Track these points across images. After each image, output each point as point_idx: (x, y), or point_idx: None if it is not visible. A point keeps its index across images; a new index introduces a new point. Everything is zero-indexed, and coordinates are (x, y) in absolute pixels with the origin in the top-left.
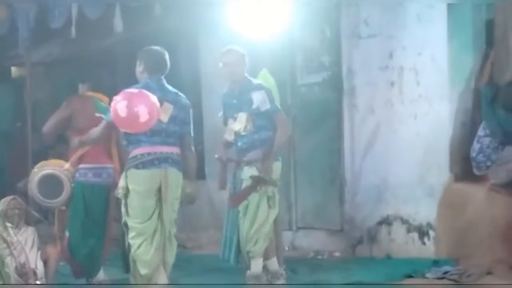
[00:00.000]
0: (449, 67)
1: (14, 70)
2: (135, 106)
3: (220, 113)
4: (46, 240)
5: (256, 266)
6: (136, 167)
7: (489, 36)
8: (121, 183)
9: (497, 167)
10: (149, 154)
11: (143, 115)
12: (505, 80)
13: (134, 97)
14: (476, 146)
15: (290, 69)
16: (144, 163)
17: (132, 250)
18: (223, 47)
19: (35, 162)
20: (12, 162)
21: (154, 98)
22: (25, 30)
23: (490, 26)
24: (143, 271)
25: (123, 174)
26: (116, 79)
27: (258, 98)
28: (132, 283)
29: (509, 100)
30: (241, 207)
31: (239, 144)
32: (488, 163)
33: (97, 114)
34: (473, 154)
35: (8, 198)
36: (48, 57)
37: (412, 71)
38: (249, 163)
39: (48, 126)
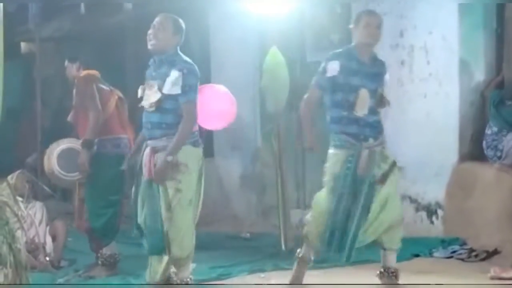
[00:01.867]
0: (459, 47)
1: (23, 45)
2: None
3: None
4: (55, 216)
5: None
6: (194, 144)
7: (500, 16)
8: (180, 159)
9: (511, 153)
10: (196, 132)
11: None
12: None
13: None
14: (483, 143)
15: (300, 46)
16: (197, 142)
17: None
18: (234, 24)
19: (44, 138)
20: (22, 138)
21: None
22: (35, 6)
23: (501, 5)
24: (186, 252)
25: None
26: (125, 56)
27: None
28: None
29: None
30: None
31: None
32: (498, 154)
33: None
34: (484, 151)
35: (16, 172)
36: (57, 32)
37: (423, 50)
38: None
39: (98, 108)
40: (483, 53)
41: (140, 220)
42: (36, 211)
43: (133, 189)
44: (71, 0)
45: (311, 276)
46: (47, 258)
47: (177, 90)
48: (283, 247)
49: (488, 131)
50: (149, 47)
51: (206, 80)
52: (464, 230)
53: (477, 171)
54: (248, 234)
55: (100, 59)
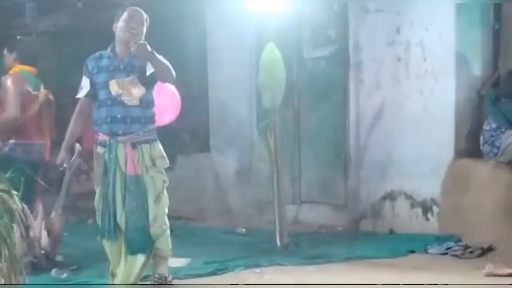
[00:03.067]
0: (456, 43)
1: (19, 39)
2: None
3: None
4: (50, 210)
5: None
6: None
7: (498, 12)
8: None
9: (507, 150)
10: None
11: None
12: (511, 59)
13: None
14: (481, 138)
15: (297, 43)
16: None
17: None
18: (231, 20)
19: None
20: None
21: None
22: (32, 0)
23: (499, 3)
24: (170, 246)
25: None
26: None
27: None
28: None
29: (510, 89)
30: None
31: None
32: (495, 150)
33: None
34: (481, 146)
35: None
36: (54, 27)
37: (419, 47)
38: None
39: (14, 112)
40: (480, 49)
41: (119, 219)
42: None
43: (108, 189)
44: None
45: (307, 272)
46: (43, 252)
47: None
48: (278, 242)
49: (486, 127)
50: (132, 40)
51: (203, 77)
52: (459, 226)
53: (472, 168)
54: (243, 230)
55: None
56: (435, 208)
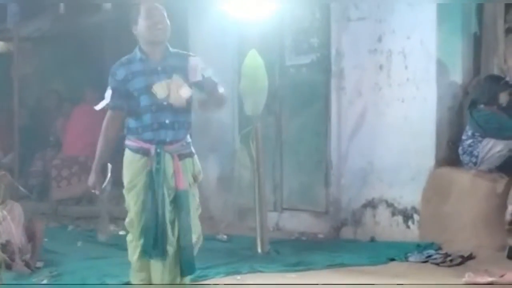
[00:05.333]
0: (437, 51)
1: (1, 44)
2: None
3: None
4: (31, 216)
5: None
6: None
7: (479, 19)
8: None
9: (486, 159)
10: None
11: None
12: (492, 67)
13: None
14: (459, 148)
15: (279, 50)
16: None
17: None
18: (213, 27)
19: (21, 138)
20: None
21: None
22: (14, 5)
23: (480, 9)
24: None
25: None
26: (104, 56)
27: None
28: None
29: (487, 93)
30: None
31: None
32: (474, 160)
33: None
34: (460, 157)
35: None
36: (36, 32)
37: (401, 55)
38: None
39: None
40: (461, 58)
41: (170, 238)
42: (13, 211)
43: (153, 204)
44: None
45: (288, 279)
46: (23, 259)
47: (205, 74)
48: (259, 249)
49: (464, 136)
50: (159, 38)
51: None
52: (440, 235)
53: (453, 176)
54: (224, 236)
55: (79, 59)
56: (415, 216)
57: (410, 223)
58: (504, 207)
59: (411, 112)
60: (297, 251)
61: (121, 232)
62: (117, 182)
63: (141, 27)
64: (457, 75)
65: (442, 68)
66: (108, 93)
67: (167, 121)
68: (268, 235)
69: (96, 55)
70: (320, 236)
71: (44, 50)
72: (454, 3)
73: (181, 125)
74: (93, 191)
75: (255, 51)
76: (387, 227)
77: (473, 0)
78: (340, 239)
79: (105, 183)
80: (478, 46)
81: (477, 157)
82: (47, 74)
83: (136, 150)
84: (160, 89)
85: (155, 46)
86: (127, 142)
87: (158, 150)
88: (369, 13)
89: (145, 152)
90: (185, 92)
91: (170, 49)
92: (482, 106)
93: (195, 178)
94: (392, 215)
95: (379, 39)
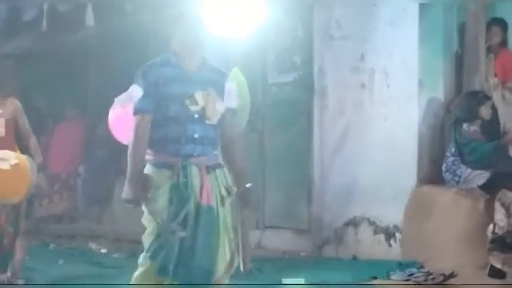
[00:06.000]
0: (419, 70)
1: None
2: None
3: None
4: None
5: None
6: None
7: (461, 38)
8: None
9: (468, 179)
10: None
11: None
12: (474, 86)
13: None
14: (443, 165)
15: (262, 68)
16: None
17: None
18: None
19: None
20: None
21: None
22: None
23: (462, 28)
24: None
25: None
26: (88, 74)
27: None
28: None
29: (468, 109)
30: None
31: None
32: (456, 179)
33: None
34: (443, 174)
35: None
36: (18, 49)
37: (383, 74)
38: None
39: None
40: (443, 76)
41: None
42: None
43: (178, 221)
44: (31, 16)
45: None
46: (4, 276)
47: (233, 103)
48: (241, 267)
49: (448, 153)
50: (190, 48)
51: None
52: (422, 253)
53: (435, 195)
54: None
55: (61, 76)
56: (397, 235)
57: (392, 241)
58: (485, 225)
59: (393, 131)
60: (279, 270)
61: (103, 250)
62: (100, 199)
63: (178, 33)
64: (439, 94)
65: (424, 86)
66: (137, 95)
67: (196, 136)
68: (250, 253)
69: (78, 72)
70: (302, 254)
71: (26, 67)
72: (435, 22)
73: (210, 141)
74: (130, 206)
75: (238, 69)
76: (369, 245)
77: (454, 20)
78: (322, 257)
79: (148, 195)
80: (460, 65)
81: (460, 176)
82: (29, 91)
83: (160, 165)
84: (197, 100)
85: (190, 54)
86: (147, 156)
87: (184, 163)
88: (351, 32)
89: (169, 166)
90: (220, 107)
91: (207, 60)
92: (465, 124)
93: (229, 191)
94: (374, 233)
95: (362, 58)
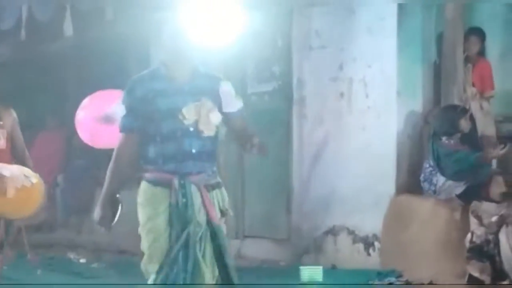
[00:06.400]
0: (397, 80)
1: None
2: None
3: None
4: None
5: None
6: None
7: (439, 48)
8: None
9: (444, 189)
10: None
11: None
12: (452, 95)
13: None
14: (421, 176)
15: (241, 77)
16: None
17: None
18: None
19: None
20: None
21: None
22: None
23: (440, 38)
24: None
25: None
26: (67, 83)
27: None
28: None
29: (447, 123)
30: None
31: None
32: (433, 188)
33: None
34: (421, 183)
35: None
36: None
37: (362, 83)
38: None
39: None
40: (421, 86)
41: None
42: None
43: (177, 242)
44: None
45: None
46: None
47: (237, 105)
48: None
49: (426, 164)
50: (180, 56)
51: None
52: (400, 262)
53: (413, 204)
54: None
55: (40, 86)
56: (376, 244)
57: (371, 250)
58: (463, 234)
59: (372, 140)
60: (258, 279)
61: (82, 260)
62: (79, 209)
63: (167, 39)
64: (418, 103)
65: (402, 96)
66: (121, 112)
67: (193, 151)
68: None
69: (57, 82)
70: (282, 263)
71: (5, 77)
72: (413, 32)
73: (208, 156)
74: (99, 227)
75: None
76: (348, 254)
77: (432, 29)
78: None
79: (115, 219)
80: (438, 75)
81: (435, 185)
82: (8, 101)
83: (156, 183)
84: (189, 113)
85: (181, 63)
86: (144, 173)
87: (182, 182)
88: (330, 42)
89: (166, 184)
90: (216, 117)
91: (199, 67)
92: (444, 138)
93: (223, 213)
94: (353, 242)
95: (340, 67)
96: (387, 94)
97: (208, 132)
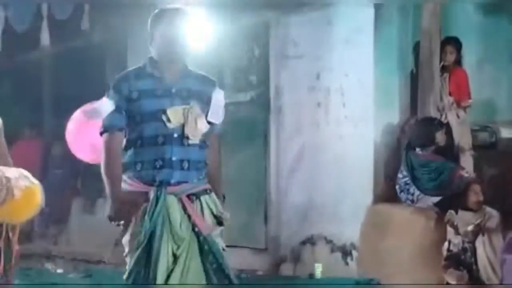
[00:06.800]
0: (374, 89)
1: None
2: None
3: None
4: None
5: None
6: None
7: (416, 57)
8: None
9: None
10: None
11: None
12: (428, 105)
13: None
14: (396, 187)
15: (218, 87)
16: None
17: None
18: None
19: None
20: None
21: None
22: None
23: (417, 47)
24: None
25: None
26: (43, 93)
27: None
28: None
29: (423, 136)
30: None
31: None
32: (411, 197)
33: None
34: (398, 194)
35: None
36: None
37: (338, 93)
38: None
39: None
40: (398, 95)
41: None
42: None
43: (148, 256)
44: None
45: None
46: None
47: (220, 118)
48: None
49: (400, 175)
50: (171, 54)
51: None
52: (378, 270)
53: (391, 212)
54: None
55: (17, 96)
56: (354, 253)
57: (349, 259)
58: (440, 243)
59: (349, 149)
60: None
61: (59, 271)
62: (56, 220)
63: (157, 37)
64: (394, 113)
65: (379, 105)
66: (107, 110)
67: (174, 158)
68: None
69: (34, 92)
70: (260, 273)
71: None
72: (390, 41)
73: (192, 165)
74: (116, 223)
75: None
76: (326, 264)
77: (409, 39)
78: (280, 275)
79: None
80: (415, 84)
81: (413, 194)
82: None
83: (132, 194)
84: (174, 115)
85: (172, 63)
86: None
87: (159, 193)
88: (307, 51)
89: (142, 195)
90: (203, 124)
91: (189, 68)
92: (418, 149)
93: (219, 219)
94: (331, 252)
95: (317, 77)
96: (364, 103)
97: (194, 139)
